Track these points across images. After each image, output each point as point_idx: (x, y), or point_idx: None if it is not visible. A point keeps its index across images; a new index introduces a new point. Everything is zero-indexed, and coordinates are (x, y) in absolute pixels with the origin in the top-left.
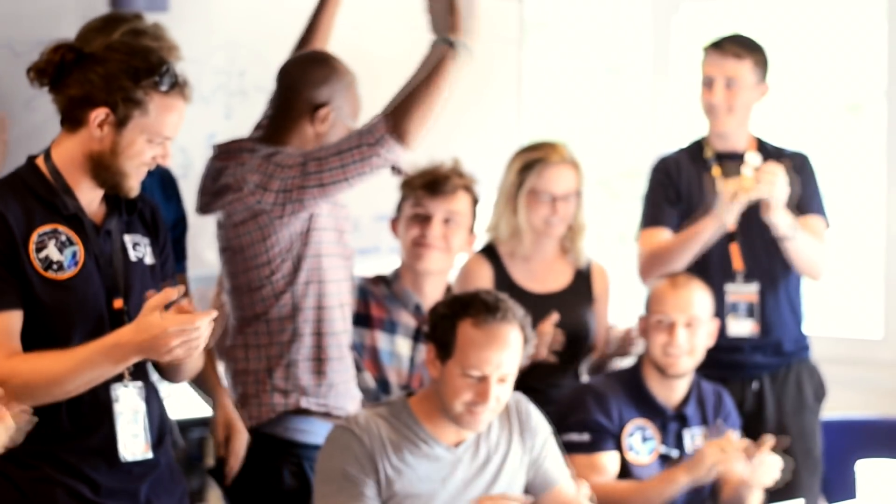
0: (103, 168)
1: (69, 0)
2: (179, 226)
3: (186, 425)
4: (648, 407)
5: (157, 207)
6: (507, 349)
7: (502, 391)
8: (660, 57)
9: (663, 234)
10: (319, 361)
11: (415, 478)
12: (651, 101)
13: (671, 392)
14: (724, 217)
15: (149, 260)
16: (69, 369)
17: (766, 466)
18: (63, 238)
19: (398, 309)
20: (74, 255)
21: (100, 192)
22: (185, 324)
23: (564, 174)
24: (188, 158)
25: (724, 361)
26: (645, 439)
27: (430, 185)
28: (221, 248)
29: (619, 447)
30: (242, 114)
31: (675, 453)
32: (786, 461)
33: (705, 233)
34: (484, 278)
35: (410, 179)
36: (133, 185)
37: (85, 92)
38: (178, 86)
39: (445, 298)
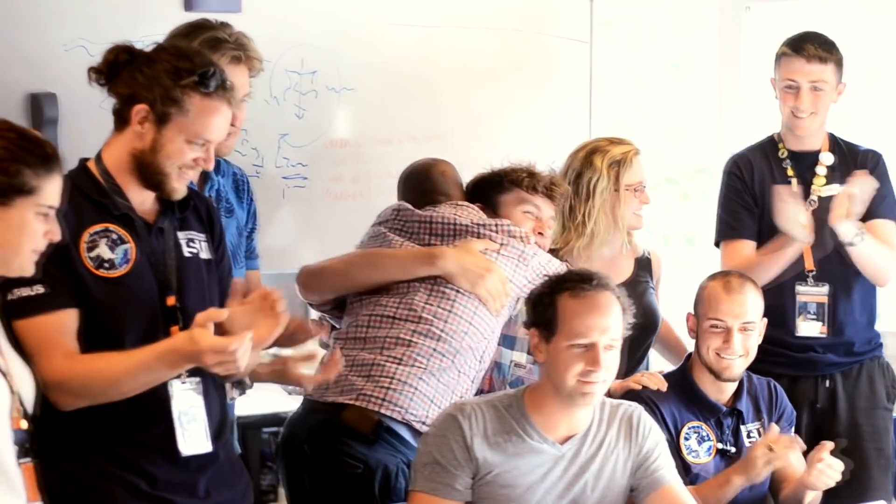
0: (144, 166)
1: (143, 1)
2: (250, 224)
3: (259, 423)
4: (702, 407)
5: (212, 205)
6: (610, 314)
7: (611, 359)
8: (727, 54)
9: (745, 247)
10: None
11: (514, 469)
12: (718, 99)
13: (723, 389)
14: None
15: (205, 255)
16: (125, 372)
17: (827, 469)
18: (114, 236)
19: None
20: (126, 252)
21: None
22: (220, 347)
23: (641, 163)
24: (261, 157)
25: (796, 360)
26: (701, 440)
27: (549, 187)
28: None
29: (677, 450)
30: (314, 113)
31: (732, 449)
32: (845, 463)
33: (790, 251)
34: None
35: (527, 179)
36: (175, 186)
37: (131, 90)
38: (221, 89)
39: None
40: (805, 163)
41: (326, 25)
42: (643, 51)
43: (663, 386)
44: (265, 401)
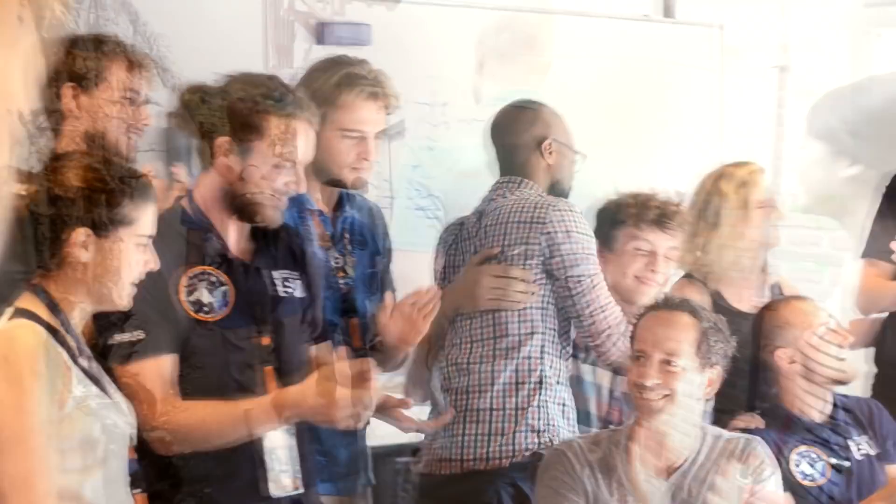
0: (236, 198)
1: (276, 35)
2: (385, 258)
3: (392, 452)
4: (802, 430)
5: (304, 242)
6: (671, 329)
7: (667, 375)
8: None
9: (883, 268)
10: (565, 407)
11: None
12: None
13: (824, 405)
14: None
15: (300, 293)
16: (228, 423)
17: None
18: (213, 279)
19: None
20: (224, 295)
21: (245, 229)
22: (359, 399)
23: (767, 180)
24: (393, 190)
25: None
26: (812, 462)
27: (660, 219)
28: None
29: (790, 477)
30: (445, 145)
31: (846, 463)
32: None
33: None
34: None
35: (635, 214)
36: (270, 214)
37: (210, 125)
38: (298, 109)
39: None
40: None
41: (457, 57)
42: (772, 78)
43: (760, 423)
44: (397, 430)
